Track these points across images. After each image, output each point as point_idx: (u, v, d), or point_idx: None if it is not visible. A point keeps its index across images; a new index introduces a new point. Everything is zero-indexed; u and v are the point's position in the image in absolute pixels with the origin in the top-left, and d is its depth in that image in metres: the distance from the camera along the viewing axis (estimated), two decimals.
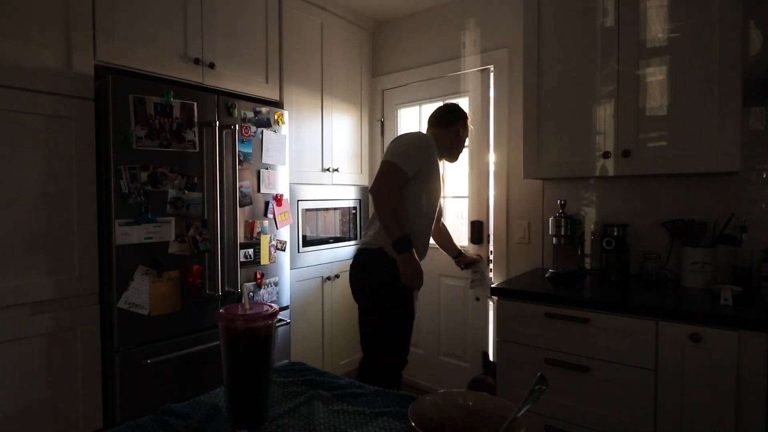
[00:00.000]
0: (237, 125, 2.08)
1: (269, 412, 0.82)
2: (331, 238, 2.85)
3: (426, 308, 2.91)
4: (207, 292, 2.00)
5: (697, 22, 1.72)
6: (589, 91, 1.97)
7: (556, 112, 2.06)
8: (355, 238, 3.04)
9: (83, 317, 1.70)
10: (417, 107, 3.01)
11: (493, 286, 1.98)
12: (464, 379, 2.74)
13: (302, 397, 0.95)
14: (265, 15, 2.39)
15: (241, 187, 2.11)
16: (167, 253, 1.85)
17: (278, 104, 2.48)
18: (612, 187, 2.22)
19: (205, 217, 1.99)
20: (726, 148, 1.68)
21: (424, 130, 2.18)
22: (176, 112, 1.87)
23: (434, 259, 2.86)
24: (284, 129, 2.35)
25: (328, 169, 2.80)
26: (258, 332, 0.76)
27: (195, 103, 1.93)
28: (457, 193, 2.90)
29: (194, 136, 1.93)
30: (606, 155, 1.92)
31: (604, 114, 1.93)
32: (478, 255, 2.64)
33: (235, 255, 2.10)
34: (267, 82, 2.41)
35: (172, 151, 1.86)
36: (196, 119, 1.94)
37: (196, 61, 2.06)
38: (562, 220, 2.10)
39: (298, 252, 2.58)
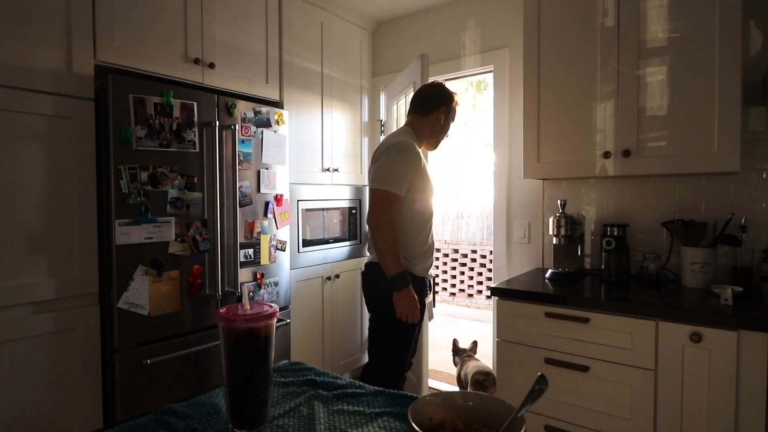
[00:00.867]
0: (237, 125, 2.08)
1: (269, 412, 0.82)
2: (331, 238, 2.85)
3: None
4: (207, 292, 2.00)
5: (697, 22, 1.73)
6: (589, 91, 1.97)
7: (556, 112, 2.06)
8: (355, 238, 3.04)
9: (83, 317, 1.70)
10: None
11: (493, 286, 1.98)
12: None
13: (302, 397, 0.95)
14: (265, 15, 2.39)
15: (241, 187, 2.11)
16: (167, 253, 1.85)
17: (278, 104, 2.48)
18: (612, 187, 2.22)
19: (205, 217, 1.99)
20: (726, 148, 1.68)
21: None
22: (176, 112, 1.87)
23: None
24: (284, 129, 2.35)
25: (328, 169, 2.80)
26: (258, 332, 0.76)
27: (195, 103, 1.93)
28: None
29: (194, 136, 1.93)
30: (606, 155, 1.92)
31: (604, 114, 1.93)
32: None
33: (235, 255, 2.10)
34: (267, 82, 2.41)
35: (172, 151, 1.86)
36: (196, 119, 1.94)
37: (196, 61, 2.06)
38: (562, 219, 2.10)
39: (298, 252, 2.58)
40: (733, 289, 1.67)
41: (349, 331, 2.96)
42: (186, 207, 1.91)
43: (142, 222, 1.77)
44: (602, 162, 1.94)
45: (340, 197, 2.92)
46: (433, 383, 3.13)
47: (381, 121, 3.15)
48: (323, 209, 2.80)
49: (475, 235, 6.73)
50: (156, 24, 1.92)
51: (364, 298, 1.98)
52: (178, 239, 1.89)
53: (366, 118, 3.13)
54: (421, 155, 1.89)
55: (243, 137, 2.13)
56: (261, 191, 2.23)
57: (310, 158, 2.68)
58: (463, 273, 6.42)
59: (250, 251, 2.19)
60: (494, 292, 1.94)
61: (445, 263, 6.58)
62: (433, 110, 1.94)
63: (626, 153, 1.87)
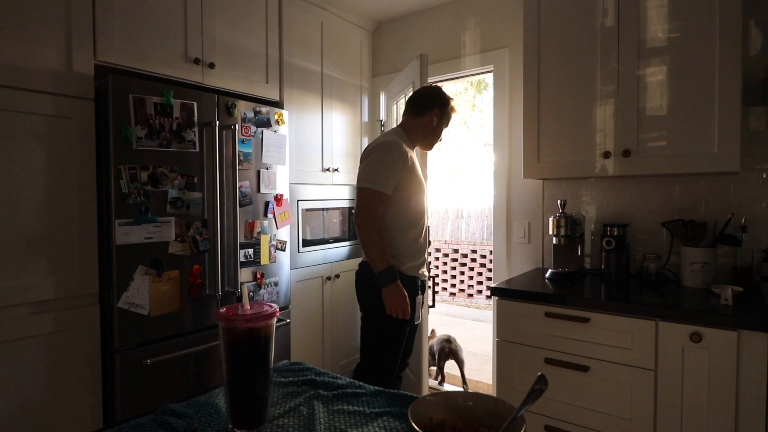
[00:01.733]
0: (237, 125, 2.08)
1: (269, 412, 0.82)
2: (331, 238, 2.85)
3: None
4: (207, 292, 2.00)
5: (697, 21, 1.73)
6: (590, 91, 1.97)
7: (556, 112, 2.06)
8: (355, 238, 3.04)
9: (83, 317, 1.70)
10: None
11: (493, 285, 1.98)
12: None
13: (302, 397, 0.95)
14: (265, 15, 2.39)
15: (241, 187, 2.11)
16: (167, 253, 1.85)
17: (278, 104, 2.48)
18: (612, 186, 2.22)
19: (205, 217, 1.99)
20: (726, 148, 1.68)
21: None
22: (176, 112, 1.87)
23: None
24: (284, 129, 2.35)
25: (328, 169, 2.80)
26: (258, 332, 0.76)
27: (195, 103, 1.93)
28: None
29: (194, 136, 1.93)
30: (606, 155, 1.92)
31: (604, 114, 1.93)
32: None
33: (235, 255, 2.10)
34: (267, 82, 2.41)
35: (172, 151, 1.86)
36: (196, 119, 1.94)
37: (196, 61, 2.06)
38: (562, 220, 2.10)
39: (298, 252, 2.58)
40: (733, 289, 1.67)
41: (349, 331, 2.96)
42: (186, 207, 1.91)
43: (142, 222, 1.77)
44: (602, 162, 1.94)
45: (340, 197, 2.92)
46: (434, 383, 3.14)
47: (381, 121, 3.15)
48: (323, 209, 2.80)
49: (475, 235, 6.74)
50: (156, 24, 1.92)
51: (357, 298, 1.99)
52: (178, 239, 1.89)
53: (366, 118, 3.13)
54: (412, 154, 1.89)
55: (243, 137, 2.13)
56: (261, 191, 2.23)
57: (310, 158, 2.68)
58: (463, 273, 6.42)
59: (250, 251, 2.19)
60: (494, 292, 1.94)
61: (445, 263, 6.58)
62: (426, 112, 1.94)
63: (626, 153, 1.87)
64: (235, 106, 2.10)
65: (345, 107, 2.95)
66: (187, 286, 1.92)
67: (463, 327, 5.09)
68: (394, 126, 2.08)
